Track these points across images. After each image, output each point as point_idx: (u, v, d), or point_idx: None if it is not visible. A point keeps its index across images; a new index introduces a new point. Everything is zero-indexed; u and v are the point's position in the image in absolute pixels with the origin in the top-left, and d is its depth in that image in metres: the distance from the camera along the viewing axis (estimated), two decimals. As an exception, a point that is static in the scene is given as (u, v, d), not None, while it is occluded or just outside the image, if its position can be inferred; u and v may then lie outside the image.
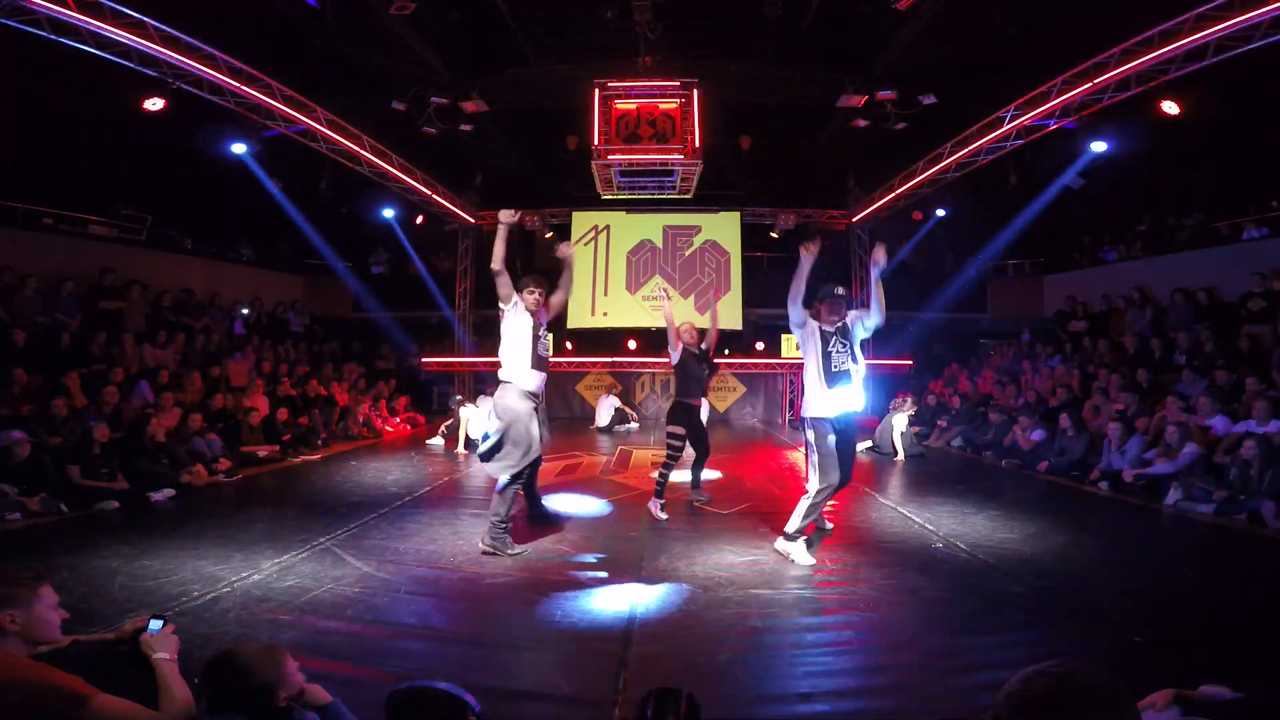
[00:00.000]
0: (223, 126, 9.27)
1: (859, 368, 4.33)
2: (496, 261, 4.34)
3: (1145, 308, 9.98)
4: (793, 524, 4.33)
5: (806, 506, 4.28)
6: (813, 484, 4.28)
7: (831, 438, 4.24)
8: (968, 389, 11.05)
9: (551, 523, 5.12)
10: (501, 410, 4.38)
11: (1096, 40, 7.28)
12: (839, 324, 4.33)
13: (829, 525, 5.10)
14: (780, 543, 4.41)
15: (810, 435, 4.34)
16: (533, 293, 4.43)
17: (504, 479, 4.37)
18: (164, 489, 6.02)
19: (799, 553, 4.29)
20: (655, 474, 5.66)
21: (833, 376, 4.25)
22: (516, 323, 4.44)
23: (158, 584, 3.75)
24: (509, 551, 4.35)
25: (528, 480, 4.73)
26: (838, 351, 4.27)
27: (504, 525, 4.37)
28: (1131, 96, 7.39)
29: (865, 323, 4.40)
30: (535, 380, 4.44)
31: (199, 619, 3.27)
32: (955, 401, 10.60)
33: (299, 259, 14.06)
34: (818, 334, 4.29)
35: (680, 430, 5.53)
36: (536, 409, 4.46)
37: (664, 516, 5.38)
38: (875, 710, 2.61)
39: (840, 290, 4.38)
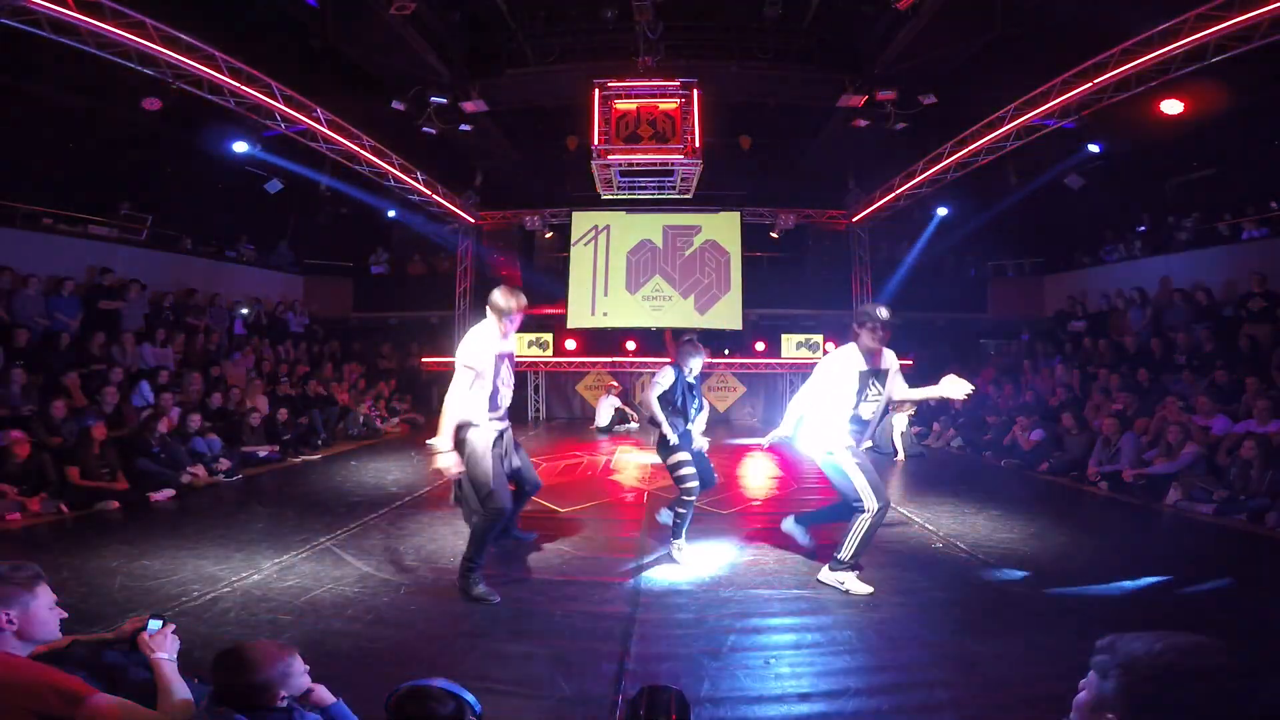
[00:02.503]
0: (223, 126, 9.26)
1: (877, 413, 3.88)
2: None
3: (1145, 308, 9.98)
4: (845, 550, 3.78)
5: (863, 531, 3.74)
6: (868, 504, 3.72)
7: (857, 459, 3.79)
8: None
9: (522, 542, 4.58)
10: (465, 455, 3.71)
11: (1096, 40, 7.28)
12: (876, 365, 3.81)
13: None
14: (826, 572, 3.88)
15: (836, 462, 3.82)
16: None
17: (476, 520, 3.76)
18: (164, 489, 6.02)
19: (853, 583, 3.78)
20: (668, 516, 4.57)
21: (855, 419, 3.81)
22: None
23: (158, 584, 3.75)
24: (474, 593, 3.64)
25: (510, 513, 4.00)
26: (868, 399, 3.79)
27: (470, 566, 3.70)
28: (1131, 96, 7.39)
29: (894, 380, 3.94)
30: (495, 426, 3.82)
31: (199, 619, 3.27)
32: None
33: (299, 259, 14.07)
34: (855, 378, 3.76)
35: (685, 457, 4.37)
36: (499, 444, 3.83)
37: (681, 561, 4.33)
38: (875, 710, 2.61)
39: (885, 313, 3.74)
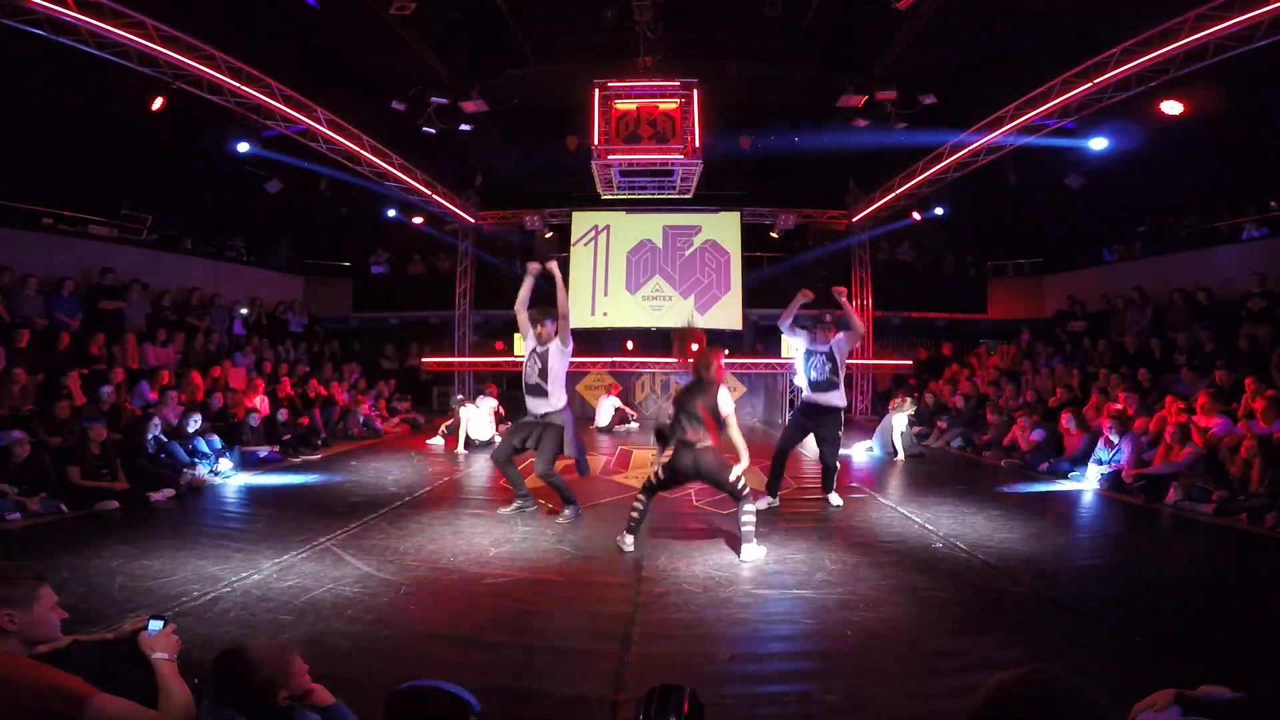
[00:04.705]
0: (223, 126, 9.26)
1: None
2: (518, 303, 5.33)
3: (1145, 308, 9.97)
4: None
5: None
6: None
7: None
8: (968, 389, 11.05)
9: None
10: None
11: (1096, 40, 7.28)
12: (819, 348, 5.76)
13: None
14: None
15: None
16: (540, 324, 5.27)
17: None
18: (164, 489, 6.02)
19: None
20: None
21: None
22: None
23: (158, 584, 3.74)
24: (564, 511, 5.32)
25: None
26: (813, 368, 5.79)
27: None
28: (1131, 96, 7.39)
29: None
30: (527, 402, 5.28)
31: (199, 619, 3.26)
32: (959, 401, 10.58)
33: (299, 259, 14.05)
34: (801, 355, 5.85)
35: None
36: (528, 421, 5.36)
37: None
38: (875, 711, 2.61)
39: (828, 317, 5.85)
